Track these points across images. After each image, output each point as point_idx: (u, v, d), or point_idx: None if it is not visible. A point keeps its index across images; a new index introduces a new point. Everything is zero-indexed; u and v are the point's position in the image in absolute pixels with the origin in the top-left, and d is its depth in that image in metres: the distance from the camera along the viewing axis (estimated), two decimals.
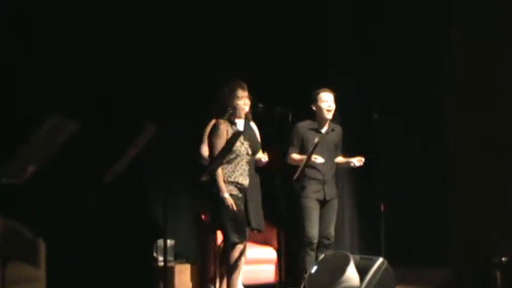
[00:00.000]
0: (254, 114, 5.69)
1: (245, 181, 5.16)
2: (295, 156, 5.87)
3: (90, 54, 5.77)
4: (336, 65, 6.91)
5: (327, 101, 5.94)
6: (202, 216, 5.98)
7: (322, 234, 5.87)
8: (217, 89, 5.19)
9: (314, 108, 5.96)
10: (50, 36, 5.61)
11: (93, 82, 5.75)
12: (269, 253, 6.28)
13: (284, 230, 5.42)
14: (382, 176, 6.00)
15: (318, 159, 5.74)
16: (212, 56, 6.33)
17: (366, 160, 5.90)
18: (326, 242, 5.89)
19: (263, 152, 5.56)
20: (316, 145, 5.65)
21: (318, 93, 5.96)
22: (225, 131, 5.02)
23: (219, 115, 5.13)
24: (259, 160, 5.47)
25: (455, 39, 6.40)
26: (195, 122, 5.71)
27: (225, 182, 5.04)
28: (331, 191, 5.97)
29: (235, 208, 5.01)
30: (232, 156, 5.06)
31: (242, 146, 5.12)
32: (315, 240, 5.81)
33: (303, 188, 5.86)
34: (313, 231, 5.80)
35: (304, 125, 5.95)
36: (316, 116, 5.98)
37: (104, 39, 5.85)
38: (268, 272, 6.23)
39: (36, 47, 5.58)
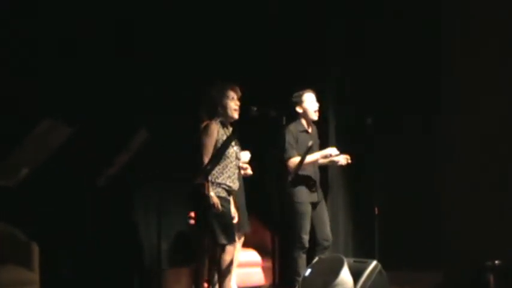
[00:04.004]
0: (248, 117, 5.69)
1: (233, 184, 5.06)
2: (296, 160, 5.69)
3: (84, 57, 5.77)
4: (327, 66, 6.89)
5: (312, 102, 5.89)
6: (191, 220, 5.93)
7: (321, 236, 5.83)
8: (207, 89, 5.15)
9: (300, 110, 5.88)
10: (45, 38, 5.60)
11: (87, 85, 5.74)
12: (253, 256, 6.27)
13: (278, 234, 5.41)
14: (376, 180, 5.99)
15: (333, 150, 5.76)
16: (206, 59, 6.32)
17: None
18: (325, 243, 5.85)
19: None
20: (309, 148, 5.64)
21: (302, 95, 5.88)
22: (216, 130, 4.96)
23: (210, 116, 5.07)
24: (242, 168, 5.46)
25: (454, 39, 6.39)
26: (188, 125, 5.70)
27: (212, 183, 4.92)
28: (320, 192, 5.96)
29: (219, 207, 4.88)
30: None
31: (231, 149, 5.04)
32: (307, 244, 5.79)
33: (297, 191, 5.81)
34: (307, 235, 5.78)
35: (294, 128, 5.86)
36: (301, 117, 5.90)
37: (98, 42, 5.84)
38: (254, 275, 6.24)
39: (32, 49, 5.58)
